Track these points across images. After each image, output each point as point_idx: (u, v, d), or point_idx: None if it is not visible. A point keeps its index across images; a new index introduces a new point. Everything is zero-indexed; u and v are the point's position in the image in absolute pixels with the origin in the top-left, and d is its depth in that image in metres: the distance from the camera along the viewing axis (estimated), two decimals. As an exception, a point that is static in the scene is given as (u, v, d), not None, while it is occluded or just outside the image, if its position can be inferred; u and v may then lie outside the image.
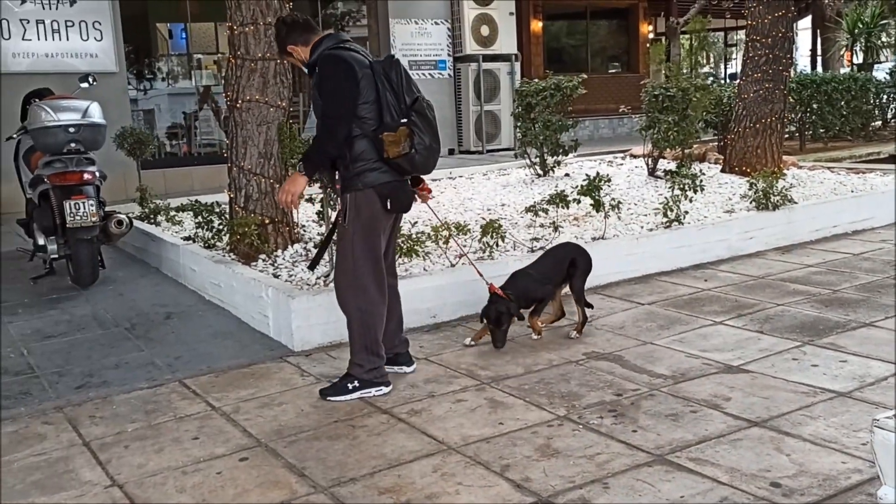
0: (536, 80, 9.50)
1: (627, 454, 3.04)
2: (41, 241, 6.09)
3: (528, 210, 6.02)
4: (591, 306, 4.71)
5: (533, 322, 4.47)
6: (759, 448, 3.03)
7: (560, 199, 5.66)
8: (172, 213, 7.49)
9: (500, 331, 4.27)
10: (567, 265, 4.58)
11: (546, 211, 5.77)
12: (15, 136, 6.55)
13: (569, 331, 4.54)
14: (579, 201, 5.93)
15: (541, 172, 9.52)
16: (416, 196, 3.95)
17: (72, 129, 5.73)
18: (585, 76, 9.46)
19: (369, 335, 3.75)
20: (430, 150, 3.67)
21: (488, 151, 13.53)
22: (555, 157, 9.37)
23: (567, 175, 9.46)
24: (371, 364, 3.76)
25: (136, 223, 6.87)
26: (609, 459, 3.00)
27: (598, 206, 5.86)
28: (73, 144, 5.76)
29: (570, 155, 9.63)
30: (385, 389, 3.79)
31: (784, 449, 3.01)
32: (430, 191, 4.07)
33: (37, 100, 6.13)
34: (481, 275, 4.49)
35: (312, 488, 2.93)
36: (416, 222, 5.63)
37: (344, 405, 3.69)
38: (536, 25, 17.84)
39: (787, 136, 12.19)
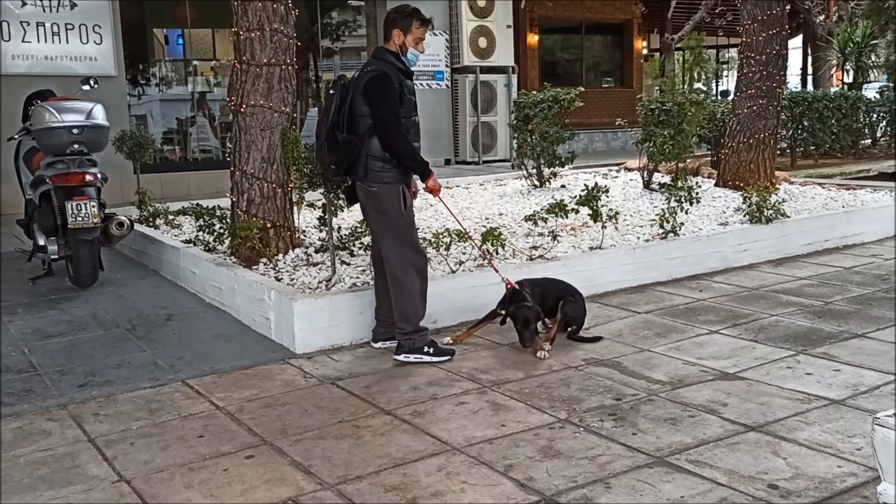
0: (534, 92, 9.60)
1: (628, 456, 3.10)
2: (41, 242, 6.11)
3: (527, 219, 6.10)
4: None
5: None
6: (756, 451, 3.10)
7: (559, 209, 5.73)
8: (171, 216, 7.52)
9: (528, 331, 4.36)
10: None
11: (545, 220, 5.84)
12: (16, 136, 6.58)
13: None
14: (577, 211, 6.00)
15: (537, 183, 9.61)
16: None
17: (75, 131, 5.76)
18: (582, 89, 9.56)
19: None
20: None
21: (484, 162, 13.62)
22: (551, 169, 9.46)
23: (563, 186, 9.54)
24: None
25: (136, 226, 6.90)
26: (610, 461, 3.07)
27: (595, 216, 5.94)
28: (76, 146, 5.79)
29: (566, 167, 9.72)
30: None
31: (780, 453, 3.09)
32: (413, 193, 4.51)
33: (39, 101, 6.17)
34: (497, 271, 4.69)
35: (319, 485, 2.97)
36: (418, 228, 5.68)
37: (346, 405, 3.75)
38: (532, 39, 17.99)
39: (778, 152, 12.34)
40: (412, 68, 4.33)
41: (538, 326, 4.52)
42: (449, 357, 4.33)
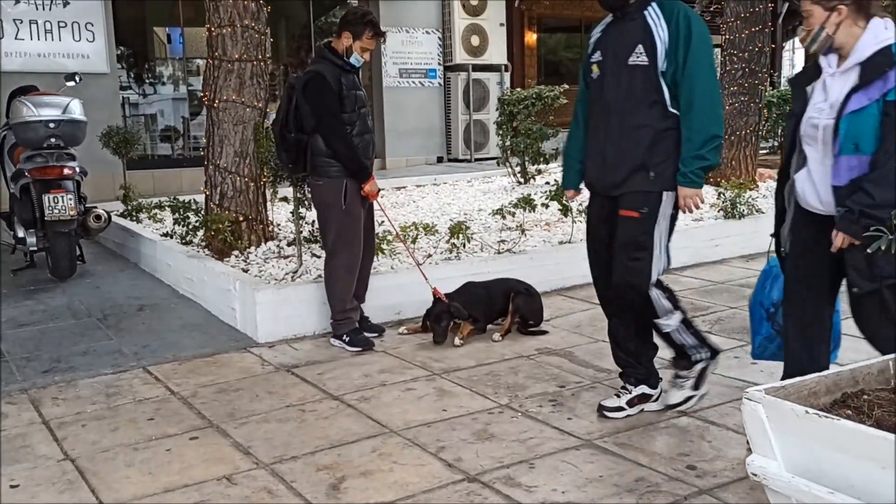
0: (519, 90, 9.67)
1: (558, 439, 3.18)
2: (21, 234, 6.22)
3: (495, 213, 6.17)
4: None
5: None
6: (684, 435, 3.17)
7: (526, 203, 5.80)
8: (154, 210, 7.64)
9: (439, 327, 4.48)
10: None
11: (513, 213, 5.91)
12: (-1, 131, 6.70)
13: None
14: (547, 206, 6.07)
15: (522, 180, 9.67)
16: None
17: (52, 125, 5.88)
18: (568, 86, 9.61)
19: None
20: None
21: (476, 160, 13.67)
22: (536, 166, 9.51)
23: (548, 183, 9.59)
24: None
25: (117, 219, 7.02)
26: (540, 443, 3.14)
27: (565, 210, 6.00)
28: (52, 139, 5.90)
29: (553, 164, 9.77)
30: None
31: (707, 436, 3.16)
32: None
33: (21, 96, 6.29)
34: (427, 279, 4.73)
35: (255, 464, 3.06)
36: (382, 222, 5.77)
37: (297, 391, 3.83)
38: (531, 37, 18.02)
39: (767, 150, 12.35)
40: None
41: (451, 322, 4.55)
42: (361, 348, 4.42)
